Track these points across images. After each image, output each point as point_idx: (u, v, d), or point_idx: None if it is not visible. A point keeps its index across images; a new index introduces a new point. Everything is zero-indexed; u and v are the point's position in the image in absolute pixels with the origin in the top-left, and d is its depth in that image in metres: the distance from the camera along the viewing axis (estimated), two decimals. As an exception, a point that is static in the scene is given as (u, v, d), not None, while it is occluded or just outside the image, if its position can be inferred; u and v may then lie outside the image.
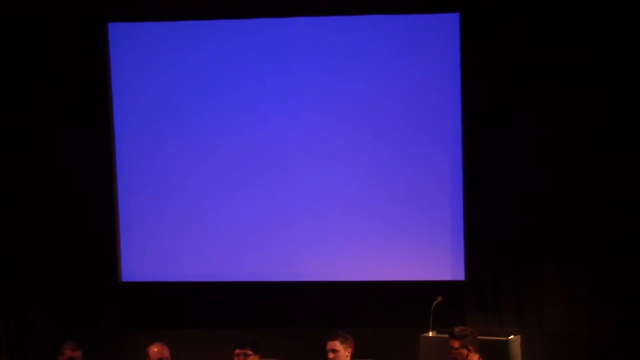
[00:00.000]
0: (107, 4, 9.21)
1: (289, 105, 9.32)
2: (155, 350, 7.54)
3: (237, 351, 7.52)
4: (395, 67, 9.18)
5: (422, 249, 9.20)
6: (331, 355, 7.28)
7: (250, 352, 7.49)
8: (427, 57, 9.14)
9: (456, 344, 7.01)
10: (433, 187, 9.20)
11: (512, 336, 8.21)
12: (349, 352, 7.32)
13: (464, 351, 6.96)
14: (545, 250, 8.99)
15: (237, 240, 9.42)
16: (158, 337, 8.00)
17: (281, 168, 9.36)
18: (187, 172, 9.46)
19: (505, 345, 8.04)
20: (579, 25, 8.85)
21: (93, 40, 9.44)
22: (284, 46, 9.31)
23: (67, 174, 9.51)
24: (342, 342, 7.31)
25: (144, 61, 9.45)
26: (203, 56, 9.38)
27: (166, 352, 7.53)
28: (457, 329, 7.08)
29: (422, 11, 9.10)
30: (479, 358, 7.02)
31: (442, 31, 9.11)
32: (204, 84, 9.41)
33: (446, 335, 7.34)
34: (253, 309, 9.40)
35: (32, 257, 9.56)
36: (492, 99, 9.00)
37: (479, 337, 7.26)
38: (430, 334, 8.35)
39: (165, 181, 9.49)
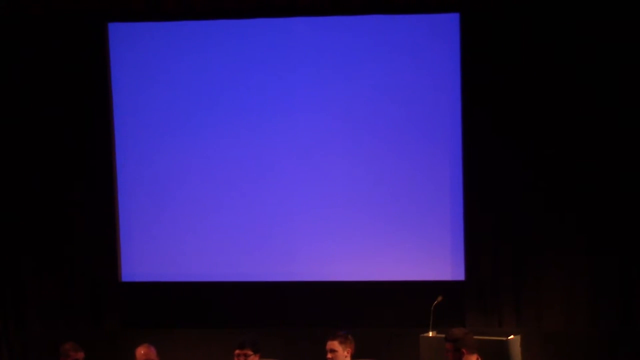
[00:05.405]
0: (107, 4, 9.22)
1: (288, 104, 9.32)
2: (142, 352, 7.60)
3: (237, 352, 7.49)
4: (395, 67, 9.18)
5: (422, 249, 9.20)
6: (329, 355, 7.28)
7: (250, 353, 7.48)
8: (427, 57, 9.14)
9: (450, 347, 7.01)
10: (433, 187, 9.20)
11: (512, 336, 8.20)
12: (348, 352, 7.32)
13: (458, 353, 6.96)
14: (545, 250, 8.99)
15: (237, 240, 9.42)
16: (158, 337, 7.99)
17: (281, 168, 9.36)
18: (187, 172, 9.47)
19: (505, 345, 8.03)
20: (579, 25, 8.85)
21: (93, 40, 9.44)
22: (284, 46, 9.31)
23: (67, 173, 9.51)
24: (341, 343, 7.31)
25: (144, 61, 9.45)
26: (203, 56, 9.38)
27: (152, 355, 7.57)
28: (450, 331, 7.08)
29: (422, 11, 9.10)
30: (477, 358, 7.01)
31: (442, 31, 9.11)
32: (203, 83, 9.41)
33: (446, 335, 7.35)
34: (253, 309, 9.39)
35: (32, 257, 9.56)
36: (492, 99, 9.00)
37: (478, 337, 7.25)
38: (430, 334, 8.34)
39: (165, 181, 9.49)
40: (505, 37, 8.95)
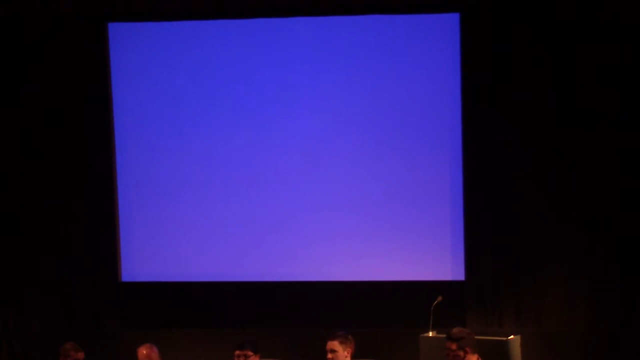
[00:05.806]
0: (107, 4, 9.23)
1: (288, 105, 9.32)
2: (144, 352, 7.57)
3: (237, 352, 7.47)
4: (395, 67, 9.18)
5: (422, 249, 9.20)
6: (330, 355, 7.28)
7: (250, 353, 7.46)
8: (427, 57, 9.14)
9: (453, 346, 6.99)
10: (433, 187, 9.20)
11: (512, 336, 8.21)
12: (348, 352, 7.32)
13: (461, 353, 6.94)
14: (545, 250, 8.99)
15: (237, 240, 9.42)
16: (158, 337, 7.97)
17: (281, 168, 9.36)
18: (187, 172, 9.47)
19: (505, 345, 8.04)
20: (579, 26, 8.85)
21: (93, 40, 9.44)
22: (284, 46, 9.31)
23: (67, 173, 9.51)
24: (341, 343, 7.31)
25: (144, 61, 9.46)
26: (203, 56, 9.39)
27: (155, 355, 7.55)
28: (453, 331, 7.06)
29: (422, 11, 9.10)
30: (478, 358, 7.01)
31: (442, 31, 9.11)
32: (203, 83, 9.41)
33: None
34: (253, 309, 9.40)
35: (32, 257, 9.56)
36: (492, 99, 9.00)
37: (478, 337, 7.25)
38: (430, 334, 8.35)
39: (165, 181, 9.49)
40: (505, 37, 8.95)
